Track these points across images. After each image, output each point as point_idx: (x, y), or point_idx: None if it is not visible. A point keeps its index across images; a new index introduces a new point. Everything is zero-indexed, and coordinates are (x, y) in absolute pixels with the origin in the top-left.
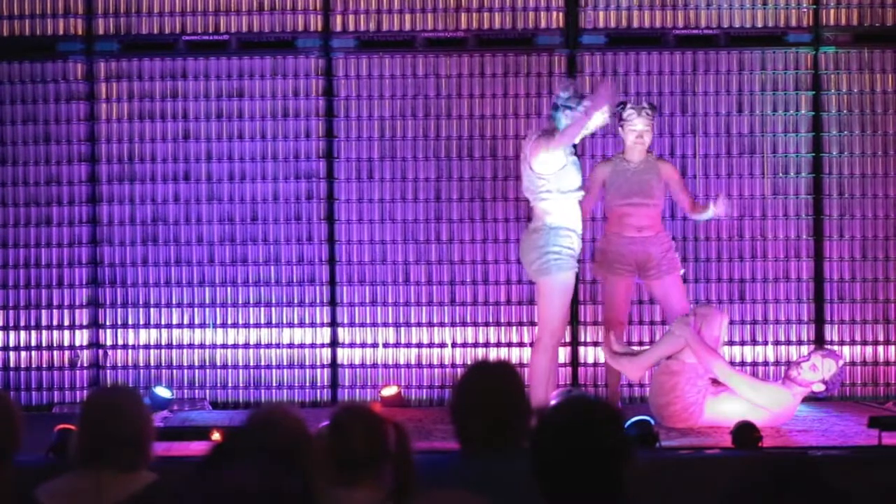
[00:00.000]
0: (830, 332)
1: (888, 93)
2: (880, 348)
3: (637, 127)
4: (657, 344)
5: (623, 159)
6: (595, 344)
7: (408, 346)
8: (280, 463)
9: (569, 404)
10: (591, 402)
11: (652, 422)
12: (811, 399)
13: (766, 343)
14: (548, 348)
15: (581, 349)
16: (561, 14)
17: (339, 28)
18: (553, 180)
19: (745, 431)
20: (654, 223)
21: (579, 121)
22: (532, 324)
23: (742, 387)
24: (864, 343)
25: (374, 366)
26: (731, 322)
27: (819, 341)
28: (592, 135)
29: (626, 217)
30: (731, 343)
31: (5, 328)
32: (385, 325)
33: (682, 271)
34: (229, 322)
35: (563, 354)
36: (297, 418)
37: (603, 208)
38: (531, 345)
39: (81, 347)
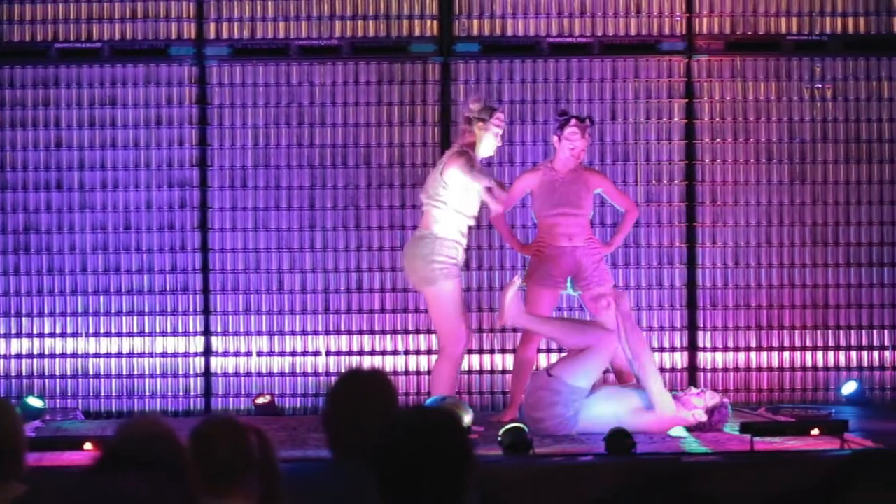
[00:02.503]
0: (703, 339)
1: (760, 100)
2: (752, 354)
3: (577, 145)
4: (552, 322)
5: (551, 168)
6: (480, 352)
7: (282, 354)
8: (163, 474)
9: (409, 411)
10: (430, 411)
11: (526, 429)
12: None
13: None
14: (451, 357)
15: (465, 357)
16: (435, 22)
17: (212, 36)
18: (455, 196)
19: (619, 438)
20: (583, 230)
21: (485, 182)
22: (406, 332)
23: (656, 384)
24: (737, 349)
25: (248, 374)
26: None
27: (692, 348)
28: (523, 142)
29: (556, 227)
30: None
31: None
32: (259, 333)
33: (612, 284)
34: (102, 331)
35: None
36: (170, 428)
37: (533, 217)
38: (405, 352)
39: None
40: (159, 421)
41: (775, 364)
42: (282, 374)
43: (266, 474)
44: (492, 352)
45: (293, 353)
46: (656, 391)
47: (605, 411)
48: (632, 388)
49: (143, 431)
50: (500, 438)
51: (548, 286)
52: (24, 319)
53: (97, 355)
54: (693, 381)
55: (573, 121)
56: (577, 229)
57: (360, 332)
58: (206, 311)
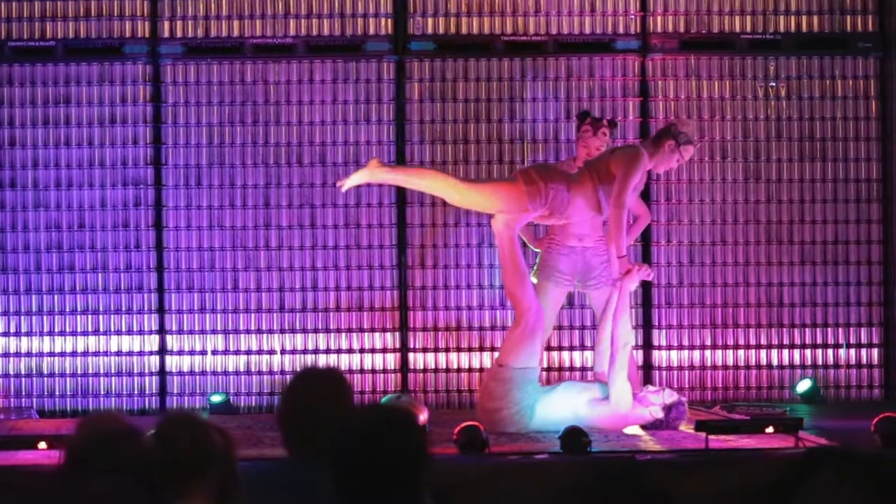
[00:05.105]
0: (658, 337)
1: (714, 99)
2: (707, 353)
3: (589, 144)
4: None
5: (573, 168)
6: (424, 350)
7: (237, 353)
8: (131, 477)
9: (367, 410)
10: (387, 409)
11: (481, 427)
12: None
13: (593, 348)
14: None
15: (411, 355)
16: (390, 21)
17: (166, 34)
18: None
19: (574, 436)
20: (594, 231)
21: None
22: (361, 330)
23: (621, 377)
24: (692, 348)
25: (203, 373)
26: (560, 328)
27: (647, 346)
28: (477, 140)
29: (569, 227)
30: (559, 348)
31: None
32: (214, 332)
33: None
34: (56, 330)
35: (393, 360)
36: (131, 426)
37: None
38: (360, 351)
39: None
40: (119, 418)
41: (730, 362)
42: (237, 373)
43: (224, 474)
44: (447, 350)
45: (248, 352)
46: (619, 383)
47: (564, 404)
48: (592, 381)
49: (104, 429)
50: (455, 437)
51: (555, 283)
52: None
53: (52, 354)
54: (648, 380)
55: (588, 120)
56: (589, 230)
57: (316, 331)
58: (161, 310)
